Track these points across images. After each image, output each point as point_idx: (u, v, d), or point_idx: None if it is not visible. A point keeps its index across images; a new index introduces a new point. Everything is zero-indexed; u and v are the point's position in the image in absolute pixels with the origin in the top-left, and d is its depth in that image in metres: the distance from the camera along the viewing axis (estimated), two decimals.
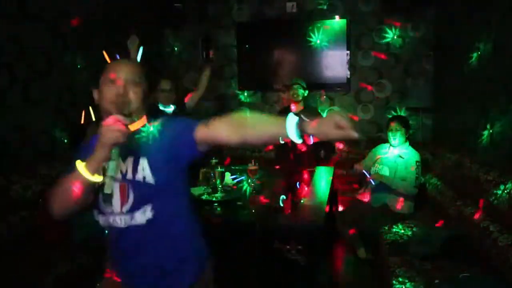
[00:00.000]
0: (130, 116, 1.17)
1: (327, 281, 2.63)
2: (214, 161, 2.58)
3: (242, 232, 1.97)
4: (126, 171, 1.19)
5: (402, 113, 4.23)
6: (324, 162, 3.52)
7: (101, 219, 1.24)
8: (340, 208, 3.43)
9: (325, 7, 4.41)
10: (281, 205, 2.15)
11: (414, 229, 2.63)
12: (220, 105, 4.68)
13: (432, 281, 1.89)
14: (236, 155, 4.44)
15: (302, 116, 1.04)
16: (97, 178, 1.07)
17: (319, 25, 4.36)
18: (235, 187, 2.57)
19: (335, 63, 4.36)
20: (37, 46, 2.84)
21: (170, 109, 3.03)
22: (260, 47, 4.57)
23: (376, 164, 3.06)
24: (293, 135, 1.02)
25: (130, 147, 1.17)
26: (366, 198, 3.09)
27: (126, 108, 1.18)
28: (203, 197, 2.38)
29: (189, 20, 4.64)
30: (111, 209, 1.19)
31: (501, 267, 1.82)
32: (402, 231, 2.62)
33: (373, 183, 2.97)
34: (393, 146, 3.02)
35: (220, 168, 2.53)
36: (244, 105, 4.75)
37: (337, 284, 2.69)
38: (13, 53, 2.65)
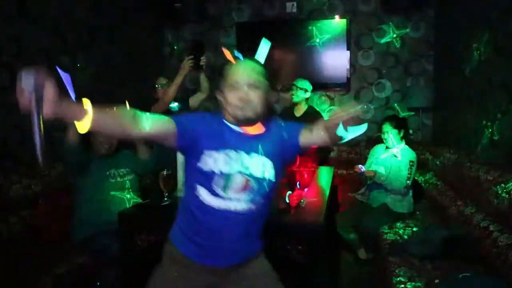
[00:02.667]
0: (256, 119, 1.28)
1: (327, 281, 2.63)
2: None
3: None
4: (253, 167, 1.27)
5: (402, 113, 4.24)
6: (323, 162, 3.53)
7: (206, 198, 1.26)
8: (340, 208, 3.43)
9: (325, 7, 4.41)
10: (287, 201, 2.15)
11: (414, 229, 2.63)
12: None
13: (432, 281, 1.89)
14: None
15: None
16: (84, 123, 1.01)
17: (319, 25, 4.36)
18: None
19: (335, 63, 4.36)
20: (37, 46, 2.84)
21: (174, 105, 3.03)
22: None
23: (372, 164, 3.06)
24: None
25: (258, 148, 1.28)
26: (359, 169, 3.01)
27: (249, 111, 1.25)
28: None
29: (189, 20, 4.64)
30: (226, 195, 1.26)
31: (501, 267, 1.82)
32: (402, 231, 2.62)
33: (364, 173, 2.93)
34: (388, 147, 3.01)
35: None
36: None
37: (337, 284, 2.69)
38: (13, 53, 2.65)
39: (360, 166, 2.92)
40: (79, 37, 3.27)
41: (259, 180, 1.27)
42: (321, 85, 4.35)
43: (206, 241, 1.30)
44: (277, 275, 1.44)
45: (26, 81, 0.95)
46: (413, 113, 4.22)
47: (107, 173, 2.41)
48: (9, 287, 1.95)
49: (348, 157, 4.22)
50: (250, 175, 1.26)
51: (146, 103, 2.57)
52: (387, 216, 2.83)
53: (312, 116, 3.67)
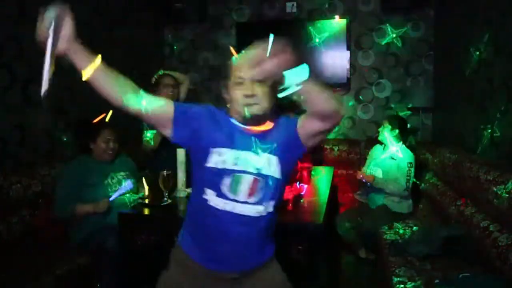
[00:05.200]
0: (264, 115, 1.24)
1: (327, 281, 2.63)
2: None
3: None
4: (262, 166, 1.23)
5: (402, 113, 4.23)
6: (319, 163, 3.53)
7: (214, 201, 1.23)
8: (340, 208, 3.43)
9: (325, 7, 4.41)
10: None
11: (414, 229, 2.64)
12: (220, 105, 4.68)
13: (432, 281, 1.89)
14: None
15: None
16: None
17: (319, 25, 4.36)
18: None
19: (335, 63, 4.36)
20: (37, 46, 2.84)
21: None
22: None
23: (370, 166, 3.06)
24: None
25: (265, 144, 1.23)
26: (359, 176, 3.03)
27: (257, 107, 1.20)
28: None
29: (189, 20, 4.64)
30: (234, 197, 1.22)
31: (501, 267, 1.82)
32: (402, 231, 2.62)
33: (368, 183, 2.96)
34: (384, 143, 3.00)
35: None
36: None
37: (337, 284, 2.69)
38: (13, 53, 2.65)
39: (360, 174, 2.94)
40: (79, 37, 3.26)
41: (266, 179, 1.23)
42: None
43: (214, 245, 1.25)
44: (289, 284, 1.40)
45: (49, 13, 1.07)
46: (410, 112, 4.22)
47: (107, 177, 2.43)
48: (9, 287, 1.95)
49: (348, 157, 4.22)
50: (258, 174, 1.22)
51: None
52: (387, 216, 2.83)
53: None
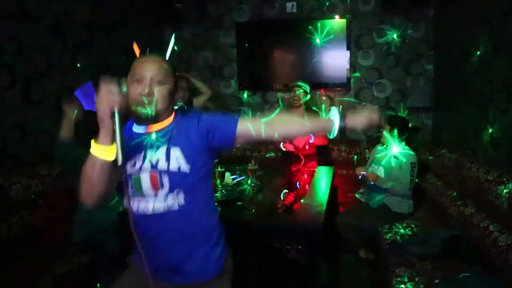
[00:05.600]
0: (157, 115, 1.22)
1: (327, 281, 2.63)
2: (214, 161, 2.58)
3: (242, 232, 1.96)
4: (158, 160, 1.22)
5: (402, 113, 4.23)
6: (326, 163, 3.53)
7: (136, 208, 1.25)
8: (340, 208, 3.43)
9: (325, 7, 4.41)
10: (282, 198, 2.16)
11: (414, 229, 2.64)
12: (220, 105, 4.68)
13: (432, 281, 1.89)
14: (236, 155, 4.45)
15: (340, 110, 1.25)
16: (112, 151, 1.09)
17: (319, 25, 4.36)
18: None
19: (335, 63, 4.36)
20: (37, 46, 2.84)
21: (176, 106, 3.02)
22: (260, 47, 4.57)
23: (372, 164, 3.06)
24: (337, 128, 1.22)
25: (161, 138, 1.23)
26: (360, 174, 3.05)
27: (151, 107, 1.20)
28: None
29: (189, 20, 4.65)
30: (144, 197, 1.23)
31: (501, 267, 1.82)
32: (402, 231, 2.62)
33: (371, 182, 2.96)
34: (386, 144, 3.00)
35: (220, 168, 2.53)
36: (244, 105, 4.76)
37: (337, 284, 2.69)
38: (13, 53, 2.65)
39: (363, 172, 2.93)
40: (79, 37, 3.27)
41: (168, 173, 1.22)
42: (321, 85, 4.35)
43: (148, 252, 1.23)
44: None
45: (118, 88, 1.09)
46: (406, 112, 4.22)
47: None
48: (9, 287, 1.95)
49: (348, 157, 4.22)
50: (158, 170, 1.21)
51: None
52: (387, 216, 2.83)
53: (310, 115, 3.67)
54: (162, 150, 1.22)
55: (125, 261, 1.44)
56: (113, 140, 1.08)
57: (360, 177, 2.92)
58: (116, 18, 3.79)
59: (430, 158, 3.44)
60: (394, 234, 2.58)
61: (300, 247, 2.50)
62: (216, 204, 1.46)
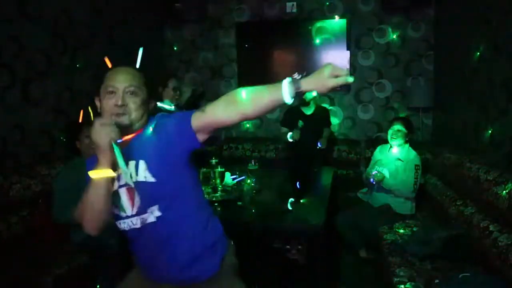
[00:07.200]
0: (131, 126, 1.22)
1: (327, 281, 2.63)
2: (214, 161, 2.58)
3: (242, 232, 1.96)
4: (131, 175, 1.21)
5: (402, 113, 4.23)
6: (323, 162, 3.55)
7: (120, 224, 1.29)
8: (340, 208, 3.43)
9: (325, 7, 4.41)
10: (290, 208, 2.15)
11: (414, 229, 2.63)
12: None
13: (432, 281, 1.89)
14: (236, 155, 4.45)
15: (294, 76, 1.11)
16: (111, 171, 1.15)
17: (319, 25, 4.36)
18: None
19: (335, 63, 4.33)
20: (37, 46, 2.84)
21: (171, 107, 3.02)
22: (260, 47, 4.57)
23: (376, 166, 3.05)
24: (288, 96, 1.08)
25: (130, 152, 1.21)
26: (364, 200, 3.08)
27: (125, 118, 1.21)
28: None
29: (189, 20, 4.64)
30: (125, 213, 1.25)
31: (501, 267, 1.82)
32: (402, 231, 2.62)
33: (373, 182, 2.96)
34: (391, 146, 3.00)
35: (220, 168, 2.52)
36: None
37: (337, 284, 2.69)
38: (13, 53, 2.65)
39: (372, 174, 2.89)
40: (79, 37, 3.26)
41: (142, 185, 1.21)
42: None
43: (148, 268, 1.31)
44: None
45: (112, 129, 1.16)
46: (406, 112, 4.22)
47: None
48: (9, 287, 1.95)
49: (348, 157, 4.22)
50: (132, 183, 1.20)
51: None
52: (387, 216, 2.82)
53: (321, 113, 3.70)
54: (132, 164, 1.22)
55: (126, 260, 1.46)
56: (113, 167, 1.14)
57: (372, 180, 2.89)
58: (116, 18, 3.79)
59: (430, 158, 3.44)
60: (394, 234, 2.58)
61: (300, 247, 2.50)
62: (209, 203, 1.48)
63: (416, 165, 2.84)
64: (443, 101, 3.85)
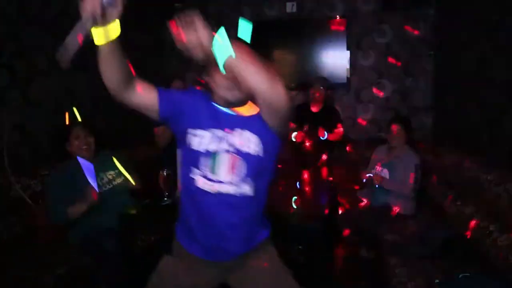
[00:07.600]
0: (245, 98, 1.27)
1: (328, 281, 2.63)
2: None
3: None
4: (240, 144, 1.24)
5: (402, 113, 4.23)
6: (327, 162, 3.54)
7: (199, 181, 1.25)
8: (340, 208, 3.43)
9: (325, 7, 4.41)
10: (294, 206, 2.15)
11: (414, 229, 2.63)
12: None
13: (432, 281, 1.89)
14: None
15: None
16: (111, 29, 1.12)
17: (319, 25, 4.35)
18: None
19: (335, 63, 4.36)
20: (37, 46, 2.84)
21: None
22: (260, 47, 4.55)
23: (376, 167, 3.05)
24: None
25: (244, 124, 1.25)
26: (365, 200, 3.09)
27: (238, 91, 1.25)
28: None
29: None
30: (216, 177, 1.24)
31: (501, 267, 1.82)
32: (402, 231, 2.62)
33: (376, 185, 2.95)
34: (391, 146, 3.00)
35: None
36: None
37: (338, 283, 2.69)
38: (13, 53, 2.65)
39: (368, 175, 2.90)
40: None
41: (247, 157, 1.24)
42: None
43: (204, 230, 1.28)
44: (286, 268, 1.41)
45: None
46: (406, 112, 4.22)
47: (97, 178, 2.23)
48: (9, 287, 1.95)
49: (348, 157, 4.22)
50: (237, 152, 1.23)
51: None
52: (388, 216, 2.82)
53: (329, 112, 3.69)
54: (245, 135, 1.25)
55: (130, 259, 1.45)
56: (100, 23, 1.09)
57: (364, 180, 2.90)
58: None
59: (430, 158, 3.44)
60: (394, 234, 2.58)
61: (300, 247, 2.50)
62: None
63: (416, 165, 2.84)
64: (443, 101, 3.85)
